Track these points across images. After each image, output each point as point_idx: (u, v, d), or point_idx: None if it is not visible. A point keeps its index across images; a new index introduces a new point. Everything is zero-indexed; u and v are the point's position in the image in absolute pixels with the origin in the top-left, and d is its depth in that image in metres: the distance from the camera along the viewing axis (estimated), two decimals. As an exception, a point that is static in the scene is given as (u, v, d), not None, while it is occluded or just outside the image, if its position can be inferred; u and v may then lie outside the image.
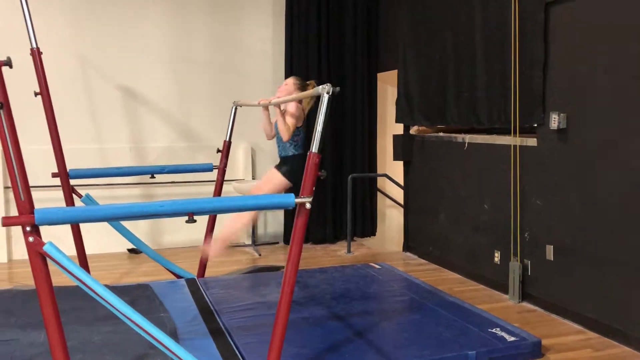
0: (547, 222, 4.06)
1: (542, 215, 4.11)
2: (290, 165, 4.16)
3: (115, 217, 2.24)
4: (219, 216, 4.67)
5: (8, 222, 2.12)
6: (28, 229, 2.15)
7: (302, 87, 4.26)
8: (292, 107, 4.12)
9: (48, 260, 2.20)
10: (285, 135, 4.08)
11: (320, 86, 2.68)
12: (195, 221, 2.38)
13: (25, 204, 2.15)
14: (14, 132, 2.13)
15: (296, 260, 2.62)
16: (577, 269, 3.83)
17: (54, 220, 2.15)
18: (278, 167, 4.27)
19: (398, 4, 5.82)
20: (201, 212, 2.32)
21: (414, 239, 5.85)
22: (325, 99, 2.64)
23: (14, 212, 5.56)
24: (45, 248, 2.16)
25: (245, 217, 4.25)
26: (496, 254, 4.58)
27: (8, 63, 2.11)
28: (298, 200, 2.58)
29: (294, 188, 3.85)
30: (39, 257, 2.18)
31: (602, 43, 3.58)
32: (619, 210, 3.50)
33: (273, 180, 4.20)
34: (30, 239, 2.16)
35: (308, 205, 2.60)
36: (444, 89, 5.07)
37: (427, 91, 5.35)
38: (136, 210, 2.21)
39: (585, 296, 3.76)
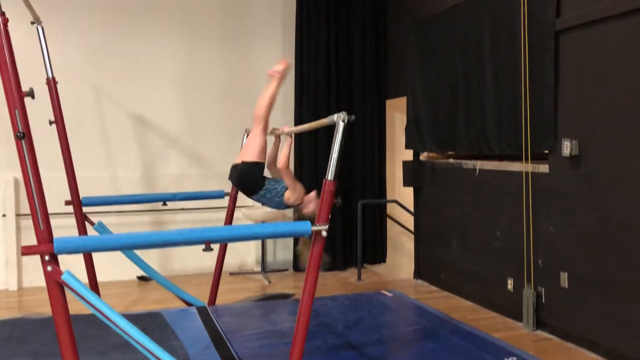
0: (561, 249, 4.03)
1: (555, 242, 4.09)
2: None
3: (133, 246, 2.24)
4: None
5: (28, 251, 2.12)
6: (47, 258, 2.16)
7: None
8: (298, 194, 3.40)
9: (65, 288, 2.20)
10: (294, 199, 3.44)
11: (336, 114, 2.70)
12: (212, 249, 2.38)
13: (45, 233, 2.15)
14: (35, 162, 2.15)
15: (312, 289, 2.62)
16: (592, 297, 3.79)
17: (73, 249, 2.16)
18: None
19: (406, 32, 5.88)
20: (219, 240, 2.32)
21: (425, 266, 5.81)
22: (340, 127, 2.66)
23: (26, 239, 5.58)
24: (64, 277, 2.17)
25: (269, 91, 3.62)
26: (509, 281, 4.54)
27: (30, 94, 2.14)
28: (314, 228, 2.58)
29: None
30: (57, 286, 2.18)
31: (613, 69, 3.60)
32: (634, 237, 3.48)
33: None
34: (49, 268, 2.16)
35: (324, 233, 2.60)
36: (454, 116, 5.09)
37: (437, 118, 5.37)
38: (155, 239, 2.21)
39: (602, 324, 3.71)
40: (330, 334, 3.78)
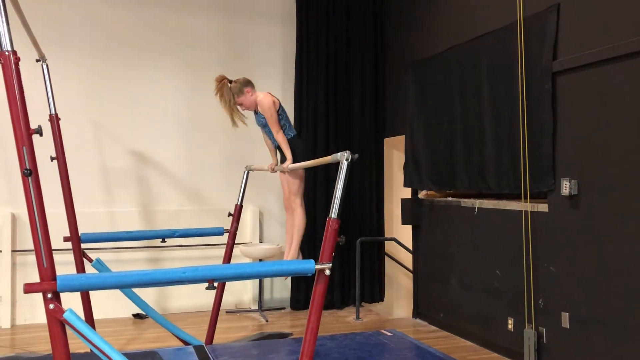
0: (562, 289, 4.02)
1: (556, 281, 4.07)
2: (291, 152, 4.21)
3: (137, 284, 2.22)
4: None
5: (30, 289, 2.10)
6: (49, 296, 2.13)
7: (240, 87, 4.23)
8: (267, 111, 4.15)
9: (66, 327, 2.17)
10: (275, 132, 4.20)
11: (339, 153, 2.73)
12: (215, 288, 2.36)
13: (48, 271, 2.13)
14: (41, 199, 2.14)
15: (315, 328, 2.59)
16: (594, 338, 3.76)
17: (77, 287, 2.14)
18: (282, 159, 4.35)
19: (405, 71, 5.97)
20: (224, 279, 2.30)
21: (424, 305, 5.76)
22: (344, 165, 2.68)
23: (21, 276, 5.51)
24: (66, 315, 2.13)
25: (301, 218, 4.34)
26: (510, 321, 4.51)
27: (39, 131, 2.15)
28: (318, 266, 2.57)
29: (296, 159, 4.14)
30: (58, 324, 2.14)
31: (612, 110, 3.65)
32: (636, 277, 3.48)
33: (291, 179, 4.27)
34: (51, 306, 2.13)
35: (328, 272, 2.58)
36: (452, 155, 5.14)
37: (435, 157, 5.41)
38: (159, 277, 2.19)
39: (605, 366, 3.67)
40: (331, 374, 3.72)
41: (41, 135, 2.14)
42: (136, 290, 4.59)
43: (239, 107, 4.27)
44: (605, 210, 3.69)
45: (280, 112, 4.23)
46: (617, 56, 3.57)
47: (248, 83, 4.26)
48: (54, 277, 2.15)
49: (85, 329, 2.16)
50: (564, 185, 3.90)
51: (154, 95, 6.10)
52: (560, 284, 4.03)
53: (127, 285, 2.28)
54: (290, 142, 4.26)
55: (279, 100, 4.28)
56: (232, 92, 4.20)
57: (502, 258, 4.62)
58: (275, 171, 4.45)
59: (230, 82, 4.24)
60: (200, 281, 2.31)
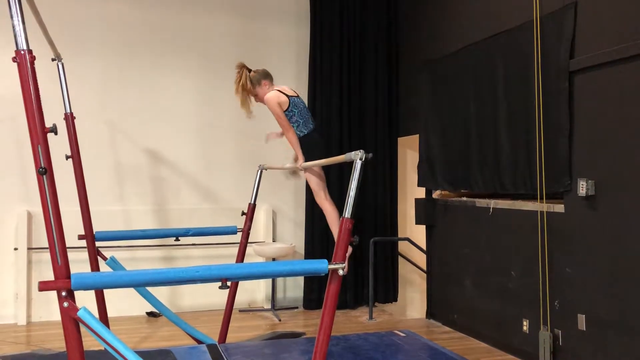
0: (578, 290, 3.97)
1: (572, 283, 4.02)
2: (307, 151, 4.13)
3: (151, 283, 2.23)
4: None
5: (45, 287, 2.11)
6: (64, 294, 2.14)
7: (259, 78, 4.20)
8: (272, 111, 4.13)
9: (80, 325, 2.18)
10: (284, 132, 4.18)
11: (353, 152, 2.71)
12: (228, 287, 2.35)
13: (62, 269, 2.14)
14: (55, 198, 2.15)
15: (328, 328, 2.57)
16: (611, 340, 3.71)
17: (91, 286, 2.14)
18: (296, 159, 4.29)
19: (419, 71, 5.94)
20: (236, 278, 2.30)
21: (438, 306, 5.73)
22: (358, 165, 2.66)
23: (36, 273, 5.56)
24: (80, 314, 2.14)
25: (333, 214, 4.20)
26: (525, 323, 4.46)
27: (53, 130, 2.16)
28: (331, 266, 2.55)
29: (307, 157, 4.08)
30: (72, 322, 2.15)
31: (630, 110, 3.60)
32: (654, 279, 3.42)
33: (311, 177, 4.19)
34: (65, 304, 2.14)
35: (341, 272, 2.57)
36: (467, 155, 5.09)
37: (450, 157, 5.37)
38: (172, 276, 2.19)
39: (622, 369, 3.62)
40: (344, 375, 3.71)
41: (56, 133, 2.15)
42: (150, 289, 4.61)
43: (252, 98, 4.23)
44: (622, 211, 3.64)
45: (291, 109, 4.09)
46: (636, 54, 3.51)
47: (267, 76, 4.20)
48: (68, 275, 2.16)
49: (99, 327, 2.16)
50: (581, 186, 3.85)
51: (168, 94, 6.13)
52: (577, 286, 3.98)
53: (140, 283, 2.28)
54: (302, 139, 4.15)
55: (289, 97, 4.12)
56: (251, 81, 4.16)
57: (517, 259, 4.57)
58: (302, 169, 4.35)
59: (250, 71, 4.20)
60: (214, 280, 2.31)
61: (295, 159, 4.27)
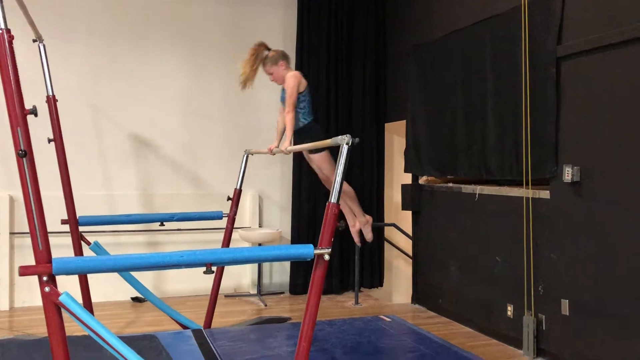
0: (562, 276, 4.00)
1: (556, 268, 4.05)
2: (311, 138, 4.12)
3: (134, 268, 2.20)
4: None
5: (25, 271, 2.07)
6: (45, 278, 2.10)
7: (277, 57, 4.27)
8: (289, 89, 4.14)
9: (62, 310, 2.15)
10: (287, 110, 4.14)
11: (340, 137, 2.69)
12: (213, 272, 2.33)
13: (43, 254, 2.10)
14: (36, 181, 2.11)
15: (314, 313, 2.56)
16: (594, 325, 3.75)
17: (73, 270, 2.11)
18: (300, 142, 4.25)
19: (406, 56, 5.91)
20: (222, 263, 2.28)
21: (423, 291, 5.76)
22: (344, 149, 2.64)
23: (19, 259, 5.50)
24: (61, 299, 2.11)
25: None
26: (509, 308, 4.50)
27: (34, 112, 2.11)
28: (317, 251, 2.54)
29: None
30: (54, 307, 2.12)
31: (616, 96, 3.61)
32: (636, 265, 3.45)
33: (324, 164, 4.28)
34: (47, 289, 2.11)
35: (327, 257, 2.56)
36: (454, 141, 5.09)
37: (437, 142, 5.37)
38: (156, 261, 2.17)
39: (603, 353, 3.66)
40: (329, 359, 3.71)
41: (36, 115, 2.11)
42: (134, 274, 4.58)
43: (269, 77, 4.32)
44: (608, 198, 3.66)
45: (304, 95, 4.24)
46: (624, 41, 3.51)
47: (286, 57, 4.32)
48: (49, 259, 2.12)
49: (81, 312, 2.14)
50: (567, 172, 3.87)
51: (154, 79, 6.04)
52: (561, 271, 4.01)
53: (124, 268, 2.25)
54: (312, 126, 4.30)
55: (307, 83, 4.27)
56: (268, 60, 4.24)
57: (503, 244, 4.60)
58: (274, 154, 4.38)
59: (269, 49, 4.29)
60: (199, 265, 2.29)
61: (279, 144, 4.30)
